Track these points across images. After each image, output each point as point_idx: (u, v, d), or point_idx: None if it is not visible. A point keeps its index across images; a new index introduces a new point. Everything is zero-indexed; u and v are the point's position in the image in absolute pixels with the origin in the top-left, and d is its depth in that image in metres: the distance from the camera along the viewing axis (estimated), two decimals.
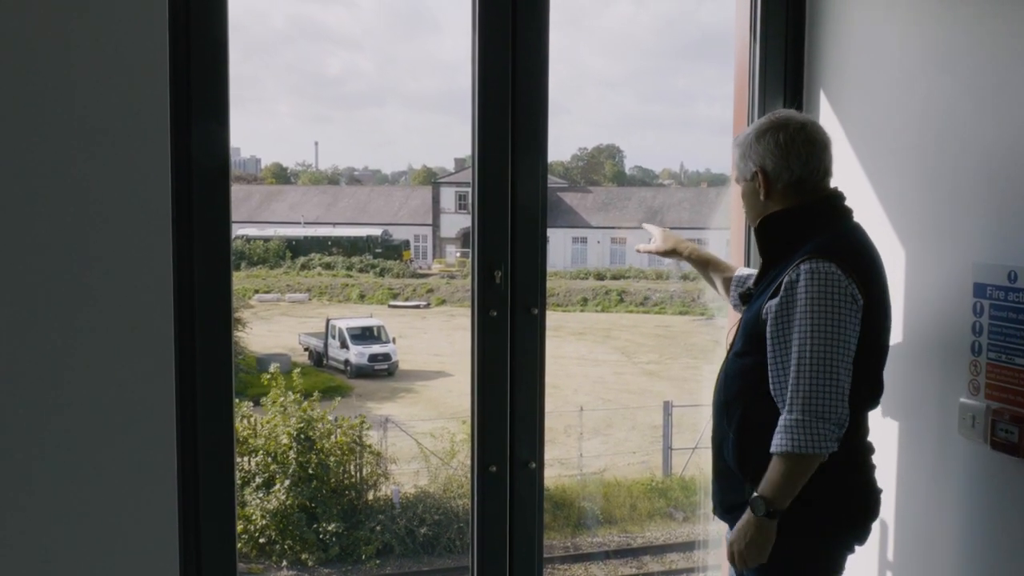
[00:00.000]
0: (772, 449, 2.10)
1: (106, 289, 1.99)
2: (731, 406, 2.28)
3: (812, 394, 2.05)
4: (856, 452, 2.22)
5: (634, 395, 11.56)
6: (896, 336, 2.52)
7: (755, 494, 2.13)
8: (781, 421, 2.09)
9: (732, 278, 2.59)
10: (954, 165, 2.38)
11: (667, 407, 10.38)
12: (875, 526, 2.57)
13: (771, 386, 2.15)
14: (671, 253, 2.66)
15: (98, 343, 2.00)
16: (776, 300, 2.12)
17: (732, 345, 2.35)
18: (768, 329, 2.14)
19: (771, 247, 2.28)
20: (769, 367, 2.15)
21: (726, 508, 2.34)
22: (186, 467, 2.18)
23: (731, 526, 2.32)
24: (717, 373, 2.38)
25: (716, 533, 2.56)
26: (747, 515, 2.15)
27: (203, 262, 2.20)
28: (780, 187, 2.25)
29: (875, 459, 2.31)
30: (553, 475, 9.47)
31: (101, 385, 2.00)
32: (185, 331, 2.15)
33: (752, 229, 2.37)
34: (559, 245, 12.96)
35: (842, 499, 2.21)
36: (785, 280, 2.11)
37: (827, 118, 2.79)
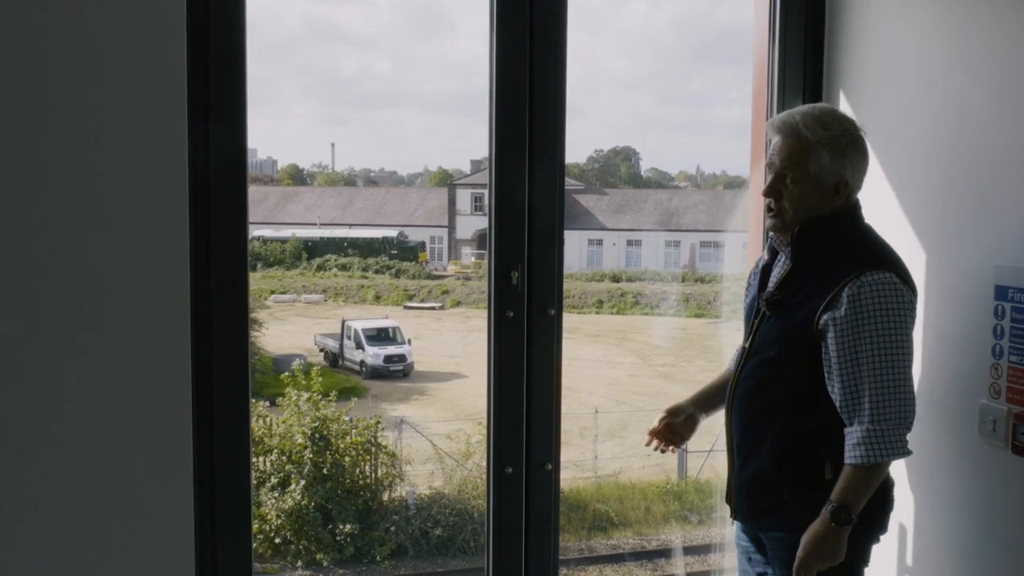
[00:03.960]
0: (854, 460, 2.12)
1: (123, 290, 2.00)
2: (770, 412, 2.27)
3: (891, 403, 2.11)
4: None
5: (649, 397, 11.53)
6: (917, 339, 2.51)
7: (834, 504, 2.12)
8: (857, 432, 2.12)
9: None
10: (975, 166, 2.36)
11: None
12: (894, 529, 2.57)
13: (838, 396, 2.15)
14: (692, 419, 2.53)
15: (115, 344, 2.00)
16: (840, 312, 2.12)
17: (750, 350, 2.33)
18: (833, 340, 2.14)
19: (809, 253, 2.25)
20: (835, 377, 2.15)
21: (759, 512, 2.32)
22: (202, 467, 2.19)
23: (760, 528, 2.33)
24: (735, 377, 2.36)
25: (731, 536, 2.55)
26: (825, 525, 2.13)
27: (220, 263, 2.21)
28: (845, 197, 2.25)
29: None
30: (568, 477, 9.46)
31: (118, 385, 2.01)
32: (202, 332, 2.16)
33: (788, 228, 2.28)
34: (574, 247, 12.96)
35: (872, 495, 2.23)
36: (847, 292, 2.12)
37: None
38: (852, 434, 2.13)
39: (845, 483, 2.13)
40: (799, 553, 2.16)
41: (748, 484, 2.33)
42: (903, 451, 2.14)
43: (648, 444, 2.50)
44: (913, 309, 2.16)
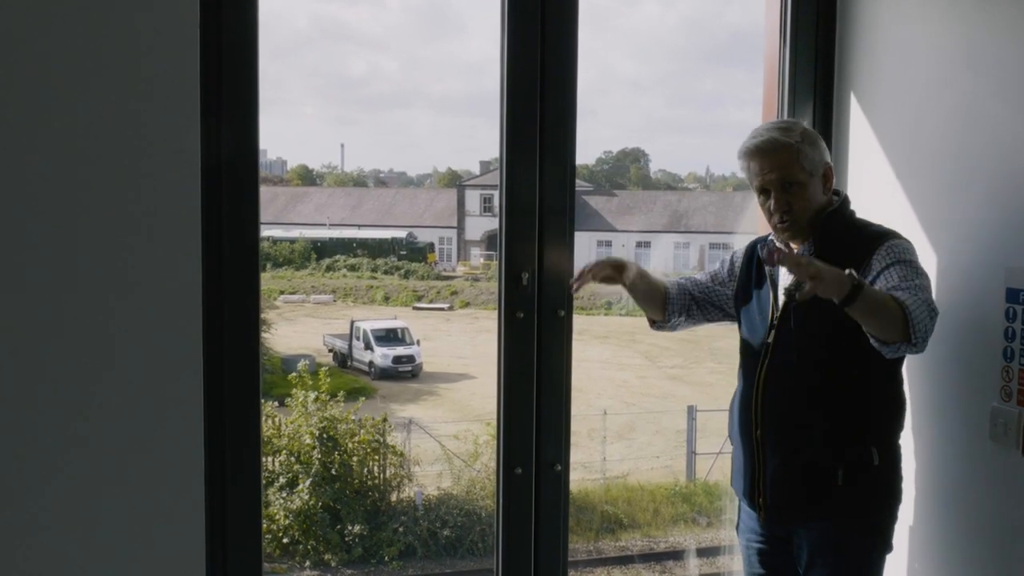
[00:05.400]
0: (899, 297, 2.06)
1: (135, 291, 2.00)
2: (814, 400, 2.28)
3: (930, 311, 2.08)
4: (893, 431, 2.35)
5: (658, 399, 11.52)
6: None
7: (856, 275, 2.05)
8: (909, 296, 2.08)
9: (674, 293, 2.57)
10: (987, 168, 2.36)
11: (691, 411, 10.34)
12: (903, 532, 2.56)
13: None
14: (613, 277, 2.52)
15: (127, 344, 2.00)
16: (875, 271, 2.19)
17: (778, 343, 2.32)
18: (880, 283, 2.16)
19: (831, 242, 2.28)
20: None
21: (807, 503, 2.30)
22: (213, 467, 2.19)
23: (804, 519, 2.33)
24: (759, 374, 2.34)
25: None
26: (841, 272, 2.02)
27: (231, 263, 2.21)
28: (833, 185, 2.36)
29: (904, 460, 2.37)
30: (576, 479, 9.45)
31: (130, 386, 2.01)
32: (213, 332, 2.16)
33: (803, 229, 2.32)
34: (584, 248, 12.94)
35: (896, 477, 2.34)
36: (875, 257, 2.20)
37: (858, 121, 2.77)
38: (906, 293, 2.09)
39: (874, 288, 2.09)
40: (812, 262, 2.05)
41: (795, 476, 2.31)
42: (924, 345, 2.08)
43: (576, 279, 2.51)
44: None
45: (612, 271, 2.50)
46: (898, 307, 2.05)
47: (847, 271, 2.01)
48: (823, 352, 2.29)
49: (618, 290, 2.53)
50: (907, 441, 2.55)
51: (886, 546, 2.33)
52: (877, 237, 2.25)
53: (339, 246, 13.91)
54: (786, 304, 2.33)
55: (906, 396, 2.36)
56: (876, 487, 2.29)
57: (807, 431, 2.29)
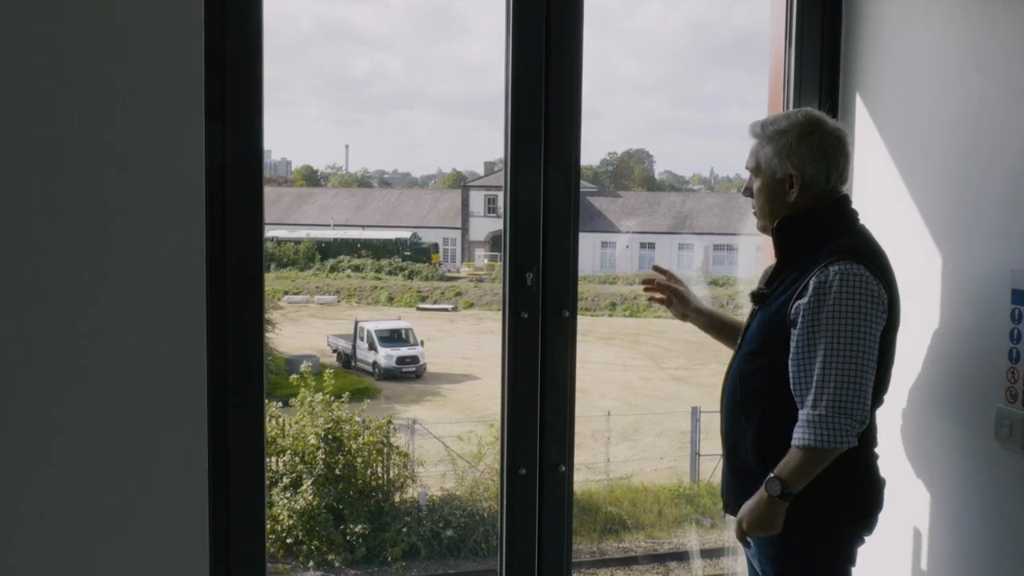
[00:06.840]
0: (794, 442, 2.12)
1: (139, 290, 2.01)
2: (749, 404, 2.29)
3: (838, 391, 2.08)
4: (860, 445, 2.19)
5: (662, 400, 11.52)
6: (933, 342, 2.50)
7: (771, 475, 2.13)
8: (803, 415, 2.12)
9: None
10: (992, 170, 2.35)
11: (695, 413, 10.33)
12: (908, 533, 2.55)
13: (792, 383, 2.16)
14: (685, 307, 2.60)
15: (131, 344, 2.01)
16: (805, 300, 2.13)
17: (741, 344, 2.36)
18: (798, 328, 2.15)
19: (791, 248, 2.28)
20: (792, 364, 2.16)
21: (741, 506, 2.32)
22: (216, 467, 2.19)
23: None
24: (726, 372, 2.38)
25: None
26: (760, 493, 2.15)
27: (235, 264, 2.21)
28: (811, 192, 2.26)
29: (877, 450, 2.31)
30: (580, 480, 9.45)
31: (133, 386, 2.01)
32: (217, 332, 2.16)
33: (767, 228, 2.35)
34: (587, 249, 12.96)
35: (850, 491, 2.23)
36: (813, 281, 2.13)
37: (863, 123, 2.76)
38: (800, 417, 2.13)
39: (787, 460, 2.13)
40: (737, 520, 2.19)
41: (731, 477, 2.36)
42: (843, 441, 2.08)
43: (648, 289, 2.61)
44: (881, 303, 2.12)
45: (678, 296, 2.59)
46: (817, 453, 2.08)
47: (764, 487, 2.13)
48: (760, 358, 2.28)
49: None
50: (911, 443, 2.55)
51: (839, 559, 2.26)
52: (826, 255, 2.16)
53: (343, 247, 13.92)
54: (753, 309, 2.36)
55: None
56: (816, 501, 2.14)
57: (740, 436, 2.31)
